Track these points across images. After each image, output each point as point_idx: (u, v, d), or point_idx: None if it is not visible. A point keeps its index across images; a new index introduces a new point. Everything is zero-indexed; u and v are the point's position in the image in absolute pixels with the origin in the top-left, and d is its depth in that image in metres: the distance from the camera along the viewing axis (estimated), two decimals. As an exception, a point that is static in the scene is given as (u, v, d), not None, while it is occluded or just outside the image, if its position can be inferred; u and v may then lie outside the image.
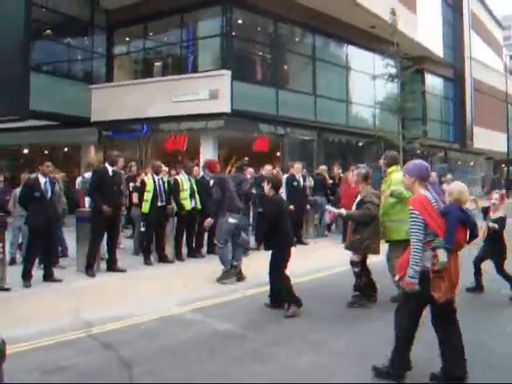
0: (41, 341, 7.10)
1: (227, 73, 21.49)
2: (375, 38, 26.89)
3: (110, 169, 11.93)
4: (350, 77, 28.62)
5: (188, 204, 13.71)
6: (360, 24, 26.52)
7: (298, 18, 24.34)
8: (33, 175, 11.53)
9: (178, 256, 13.53)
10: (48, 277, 10.79)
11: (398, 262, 6.02)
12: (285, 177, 17.53)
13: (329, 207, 10.47)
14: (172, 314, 8.51)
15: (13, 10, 20.64)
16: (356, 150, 28.39)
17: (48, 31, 23.98)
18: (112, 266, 11.89)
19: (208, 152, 22.15)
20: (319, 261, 13.25)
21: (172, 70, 24.44)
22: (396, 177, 9.03)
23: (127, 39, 26.09)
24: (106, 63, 25.60)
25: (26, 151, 28.07)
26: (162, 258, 13.16)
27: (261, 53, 25.39)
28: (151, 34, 25.17)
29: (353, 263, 9.13)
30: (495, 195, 10.10)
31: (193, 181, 14.19)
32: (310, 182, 18.47)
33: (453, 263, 5.56)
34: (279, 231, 8.70)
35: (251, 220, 16.10)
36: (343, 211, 9.26)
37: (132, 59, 26.35)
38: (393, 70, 25.72)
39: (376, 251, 9.05)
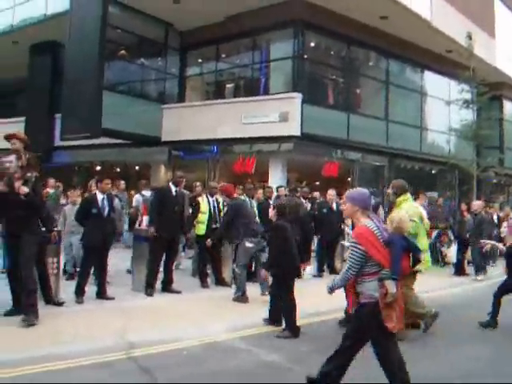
0: (81, 360, 7.00)
1: (298, 96, 21.32)
2: (451, 62, 26.15)
3: (173, 189, 11.92)
4: (424, 102, 27.92)
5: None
6: (435, 48, 25.90)
7: (371, 41, 23.94)
8: (93, 192, 11.64)
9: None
10: (101, 294, 10.78)
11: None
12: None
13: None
14: (219, 340, 8.28)
15: (89, 30, 21.21)
16: (429, 178, 27.65)
17: (122, 52, 24.45)
18: (167, 287, 11.78)
19: (276, 175, 22.00)
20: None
21: (243, 91, 24.46)
22: (405, 207, 8.98)
23: (200, 60, 26.30)
24: (179, 84, 25.82)
25: (98, 168, 28.47)
26: (220, 281, 12.96)
27: (333, 76, 25.05)
28: (223, 55, 25.25)
29: None
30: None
31: (254, 204, 13.99)
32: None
33: (399, 291, 5.59)
34: (285, 255, 9.01)
35: (315, 247, 15.81)
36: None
37: (204, 80, 26.49)
38: (468, 96, 25.06)
39: None
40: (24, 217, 8.61)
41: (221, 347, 7.98)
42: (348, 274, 5.58)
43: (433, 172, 28.19)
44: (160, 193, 12.28)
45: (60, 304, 10.00)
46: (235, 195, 12.94)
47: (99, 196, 10.90)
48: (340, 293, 9.16)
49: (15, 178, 8.53)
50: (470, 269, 16.96)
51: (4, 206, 8.63)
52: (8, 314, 8.89)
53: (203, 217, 12.93)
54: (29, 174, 8.69)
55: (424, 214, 10.04)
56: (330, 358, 5.84)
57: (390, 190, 9.49)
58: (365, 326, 5.58)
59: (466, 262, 17.28)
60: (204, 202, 13.06)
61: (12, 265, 8.95)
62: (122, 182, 18.40)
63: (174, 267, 12.53)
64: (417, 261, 5.88)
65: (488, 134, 25.56)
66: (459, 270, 16.71)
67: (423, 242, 9.07)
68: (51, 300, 9.96)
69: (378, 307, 5.43)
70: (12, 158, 8.61)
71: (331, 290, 5.83)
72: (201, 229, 12.92)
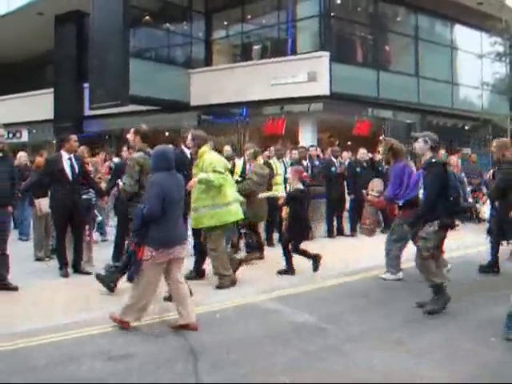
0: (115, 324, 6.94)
1: (326, 54, 21.07)
2: (482, 14, 25.39)
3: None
4: (455, 57, 27.30)
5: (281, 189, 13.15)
6: (465, 1, 25.19)
7: (399, -4, 23.51)
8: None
9: (269, 242, 13.13)
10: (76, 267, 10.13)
11: None
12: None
13: None
14: (249, 302, 8.21)
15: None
16: (462, 134, 27.18)
17: (147, 17, 24.29)
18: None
19: (307, 135, 21.90)
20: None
21: (270, 52, 24.17)
22: (208, 157, 8.79)
23: (225, 23, 26.09)
24: (205, 48, 25.70)
25: (128, 136, 28.48)
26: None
27: (361, 33, 24.66)
28: (249, 17, 25.00)
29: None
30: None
31: (284, 165, 13.84)
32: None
33: None
34: None
35: (347, 205, 15.61)
36: None
37: (230, 43, 26.31)
38: (501, 49, 24.45)
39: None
40: None
41: (252, 309, 7.87)
42: None
43: (466, 128, 27.70)
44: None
45: (88, 273, 9.68)
46: None
47: (64, 156, 9.83)
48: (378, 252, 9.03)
49: None
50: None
51: None
52: None
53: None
54: None
55: (228, 164, 9.57)
56: None
57: (189, 142, 9.12)
58: None
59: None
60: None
61: None
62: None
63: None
64: None
65: (522, 87, 25.01)
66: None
67: (228, 193, 8.85)
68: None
69: None
70: None
71: None
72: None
